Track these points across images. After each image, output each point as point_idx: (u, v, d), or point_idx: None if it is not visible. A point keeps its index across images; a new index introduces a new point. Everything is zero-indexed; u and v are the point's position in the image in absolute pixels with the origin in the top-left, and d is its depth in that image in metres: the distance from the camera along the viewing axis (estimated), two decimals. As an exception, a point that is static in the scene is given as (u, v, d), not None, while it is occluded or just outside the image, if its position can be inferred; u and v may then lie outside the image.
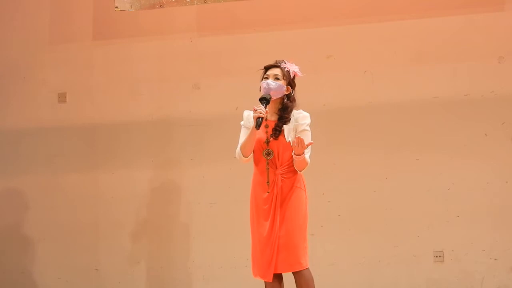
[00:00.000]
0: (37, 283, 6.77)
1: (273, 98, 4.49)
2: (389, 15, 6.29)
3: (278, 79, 4.53)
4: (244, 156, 4.52)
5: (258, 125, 4.34)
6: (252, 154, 4.54)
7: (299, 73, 4.61)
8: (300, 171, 4.51)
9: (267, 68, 4.61)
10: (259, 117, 4.34)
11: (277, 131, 4.48)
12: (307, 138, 4.45)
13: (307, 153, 4.47)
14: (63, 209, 6.76)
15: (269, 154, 4.49)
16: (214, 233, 6.47)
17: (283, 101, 4.55)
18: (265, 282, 4.55)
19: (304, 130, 4.50)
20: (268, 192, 4.46)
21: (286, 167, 4.50)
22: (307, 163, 4.48)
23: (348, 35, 6.35)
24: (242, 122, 4.60)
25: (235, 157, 4.62)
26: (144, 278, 6.60)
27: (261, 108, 4.36)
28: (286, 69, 4.57)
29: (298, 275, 4.47)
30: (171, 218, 6.60)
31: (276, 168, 4.49)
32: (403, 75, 6.26)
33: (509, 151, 6.09)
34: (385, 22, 6.29)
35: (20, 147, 6.87)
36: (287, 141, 4.48)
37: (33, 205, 6.81)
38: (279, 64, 4.60)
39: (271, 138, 4.49)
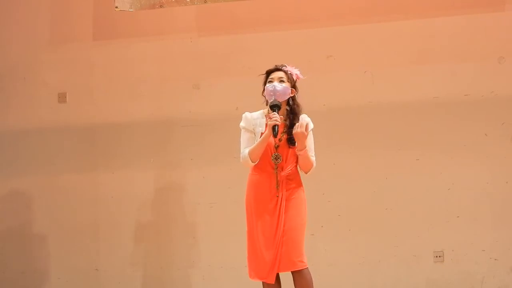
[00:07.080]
0: (37, 283, 6.77)
1: (280, 101, 4.50)
2: (389, 15, 6.29)
3: (283, 81, 4.53)
4: (252, 162, 4.51)
5: (275, 133, 4.38)
6: None
7: (300, 76, 4.61)
8: (307, 172, 4.53)
9: (269, 72, 4.60)
10: (275, 125, 4.37)
11: (293, 139, 4.47)
12: (310, 142, 4.51)
13: (312, 156, 4.53)
14: (63, 209, 6.76)
15: (278, 158, 4.50)
16: (214, 233, 6.47)
17: (289, 104, 4.55)
18: (263, 283, 4.55)
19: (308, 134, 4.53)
20: (277, 196, 4.46)
21: (290, 169, 4.51)
22: (312, 163, 4.52)
23: (348, 35, 6.35)
24: (241, 125, 4.59)
25: (234, 157, 4.63)
26: (144, 278, 6.60)
27: (275, 115, 4.39)
28: (289, 72, 4.57)
29: (298, 275, 4.45)
30: (171, 218, 6.60)
31: (282, 170, 4.50)
32: (403, 75, 6.26)
33: (509, 151, 6.09)
34: (385, 22, 6.29)
35: (20, 147, 6.86)
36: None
37: (33, 205, 6.81)
38: (281, 67, 4.59)
39: (280, 143, 4.50)
